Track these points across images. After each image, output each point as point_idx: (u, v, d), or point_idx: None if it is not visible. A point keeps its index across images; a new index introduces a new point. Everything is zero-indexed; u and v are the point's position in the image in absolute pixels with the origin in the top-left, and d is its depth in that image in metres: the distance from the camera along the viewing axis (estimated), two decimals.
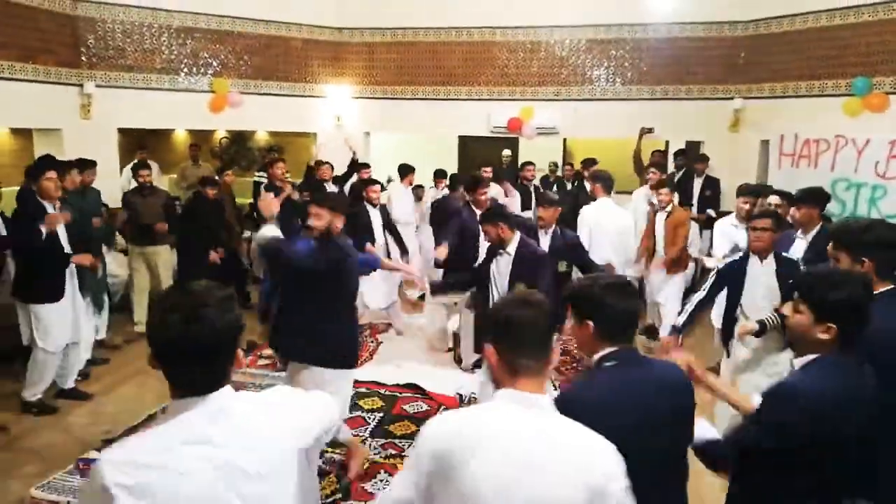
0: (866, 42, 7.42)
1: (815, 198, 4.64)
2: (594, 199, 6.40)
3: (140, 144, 8.98)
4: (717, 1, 8.71)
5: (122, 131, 8.55)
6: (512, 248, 4.45)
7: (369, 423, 4.88)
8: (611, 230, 5.98)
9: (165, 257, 6.97)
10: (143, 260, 6.85)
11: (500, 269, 4.48)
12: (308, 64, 9.63)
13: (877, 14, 7.33)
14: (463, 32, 9.51)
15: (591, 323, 1.93)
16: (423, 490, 1.58)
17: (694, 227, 6.54)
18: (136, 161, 8.74)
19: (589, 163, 8.67)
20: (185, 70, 8.75)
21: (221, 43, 8.94)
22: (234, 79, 9.04)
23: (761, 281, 4.08)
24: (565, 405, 1.65)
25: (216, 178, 7.63)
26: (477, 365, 6.06)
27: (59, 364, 5.04)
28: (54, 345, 4.88)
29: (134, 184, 8.28)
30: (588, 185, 7.31)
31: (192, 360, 1.44)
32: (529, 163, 8.59)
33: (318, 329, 3.77)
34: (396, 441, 4.61)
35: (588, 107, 9.23)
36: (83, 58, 8.02)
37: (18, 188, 5.90)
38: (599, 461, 1.53)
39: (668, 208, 6.25)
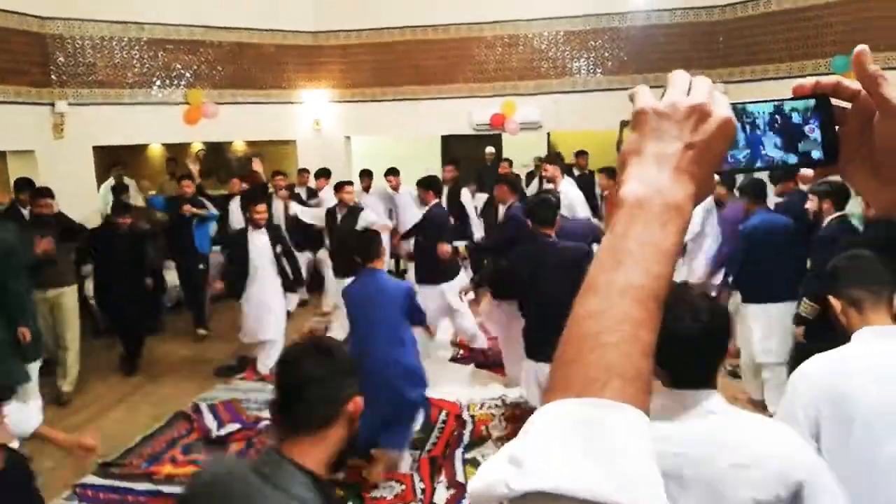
0: (844, 20, 7.43)
1: None
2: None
3: (115, 161, 8.78)
4: None
5: (97, 148, 8.36)
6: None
7: None
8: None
9: (72, 299, 5.77)
10: (47, 306, 5.55)
11: None
12: (283, 70, 9.49)
13: None
14: (439, 30, 9.42)
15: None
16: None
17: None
18: (111, 179, 8.56)
19: (582, 154, 8.66)
20: (158, 83, 8.58)
21: (194, 53, 8.78)
22: (209, 89, 8.88)
23: None
24: None
25: (129, 203, 6.79)
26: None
27: None
28: None
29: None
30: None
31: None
32: (451, 161, 8.47)
33: None
34: None
35: (570, 99, 9.18)
36: (53, 76, 7.85)
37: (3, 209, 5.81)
38: None
39: None
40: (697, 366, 1.51)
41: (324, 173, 8.10)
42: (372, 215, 6.44)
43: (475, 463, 4.29)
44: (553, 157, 7.51)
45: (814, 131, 0.69)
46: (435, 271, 5.86)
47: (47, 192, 5.64)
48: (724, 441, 1.43)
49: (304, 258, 7.43)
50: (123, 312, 6.17)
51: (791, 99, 0.71)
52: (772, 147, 0.70)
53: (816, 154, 0.69)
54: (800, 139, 0.70)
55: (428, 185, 6.15)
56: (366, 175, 8.04)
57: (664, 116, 0.62)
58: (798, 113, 0.70)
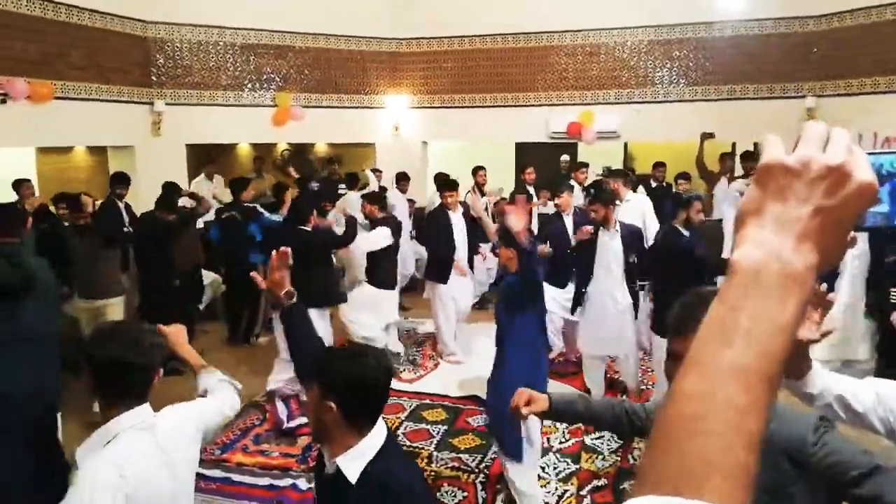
0: None
1: None
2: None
3: (209, 158, 9.22)
4: None
5: (190, 146, 8.83)
6: (616, 228, 5.14)
7: (434, 436, 4.85)
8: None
9: (117, 312, 5.50)
10: (92, 316, 5.34)
11: (612, 247, 5.13)
12: (366, 75, 9.74)
13: None
14: (520, 38, 9.43)
15: None
16: None
17: None
18: (202, 176, 8.96)
19: (659, 165, 8.54)
20: (249, 86, 8.98)
21: (283, 58, 9.14)
22: (296, 92, 9.23)
23: None
24: None
25: (175, 203, 6.35)
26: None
27: None
28: None
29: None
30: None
31: None
32: (481, 167, 8.36)
33: None
34: (461, 455, 4.57)
35: (651, 110, 9.00)
36: (153, 77, 8.34)
37: (101, 201, 6.19)
38: None
39: None
40: None
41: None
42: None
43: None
44: (616, 171, 7.40)
45: None
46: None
47: (81, 205, 5.50)
48: None
49: None
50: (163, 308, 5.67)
51: None
52: None
53: None
54: None
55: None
56: (403, 179, 8.50)
57: (794, 174, 0.55)
58: None
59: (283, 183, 8.00)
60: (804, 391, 1.69)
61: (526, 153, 11.17)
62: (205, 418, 2.11)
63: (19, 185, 6.81)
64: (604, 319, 5.18)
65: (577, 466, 4.35)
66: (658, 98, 9.03)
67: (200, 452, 2.07)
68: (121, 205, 6.84)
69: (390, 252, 6.09)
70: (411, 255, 8.27)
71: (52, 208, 6.58)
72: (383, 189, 8.54)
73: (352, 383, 1.74)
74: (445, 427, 5.00)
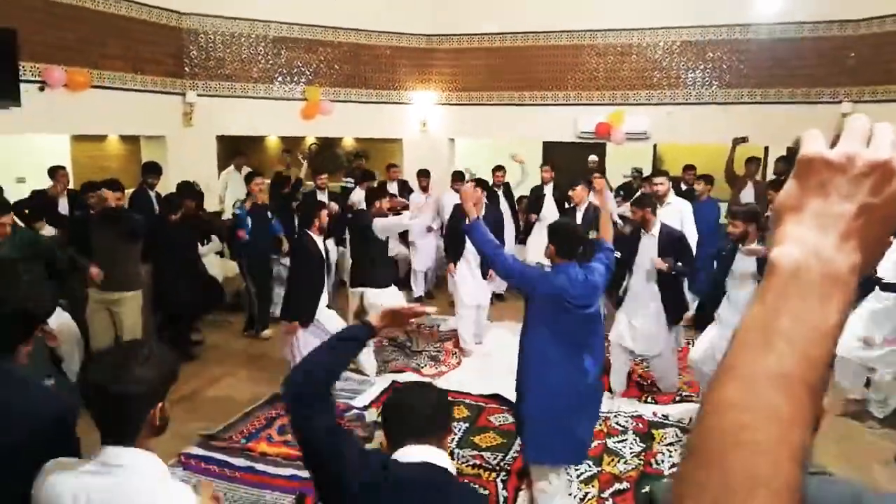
0: None
1: None
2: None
3: (238, 150, 9.31)
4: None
5: (220, 137, 8.92)
6: (656, 230, 5.09)
7: (456, 434, 4.86)
8: None
9: (133, 307, 5.26)
10: (105, 310, 5.19)
11: (649, 249, 5.07)
12: (395, 71, 9.76)
13: None
14: (551, 36, 9.38)
15: None
16: None
17: None
18: (232, 167, 9.05)
19: (689, 168, 8.44)
20: (280, 79, 9.05)
21: (314, 52, 9.20)
22: (326, 87, 9.28)
23: None
24: None
25: (178, 202, 6.20)
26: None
27: None
28: None
29: (231, 191, 8.57)
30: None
31: None
32: (500, 167, 8.37)
33: None
34: (483, 453, 4.57)
35: (682, 111, 8.90)
36: (186, 68, 8.44)
37: (133, 190, 6.26)
38: None
39: None
40: None
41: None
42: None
43: None
44: (660, 171, 7.35)
45: None
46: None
47: (113, 185, 5.30)
48: None
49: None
50: (175, 301, 6.00)
51: None
52: None
53: None
54: None
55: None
56: (423, 175, 8.27)
57: (836, 169, 0.52)
58: None
59: (284, 174, 8.12)
60: None
61: (553, 152, 11.12)
62: None
63: (55, 171, 6.94)
64: (634, 316, 5.26)
65: (599, 469, 4.33)
66: (690, 100, 8.93)
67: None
68: (152, 194, 6.96)
69: (370, 249, 5.77)
70: (433, 251, 8.23)
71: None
72: (405, 184, 8.57)
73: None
74: (467, 424, 5.00)
